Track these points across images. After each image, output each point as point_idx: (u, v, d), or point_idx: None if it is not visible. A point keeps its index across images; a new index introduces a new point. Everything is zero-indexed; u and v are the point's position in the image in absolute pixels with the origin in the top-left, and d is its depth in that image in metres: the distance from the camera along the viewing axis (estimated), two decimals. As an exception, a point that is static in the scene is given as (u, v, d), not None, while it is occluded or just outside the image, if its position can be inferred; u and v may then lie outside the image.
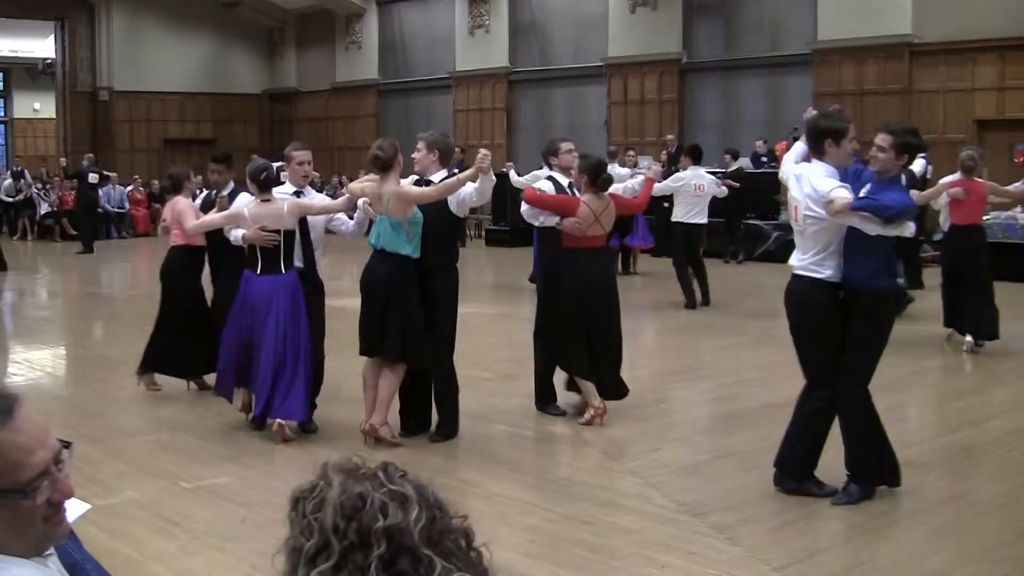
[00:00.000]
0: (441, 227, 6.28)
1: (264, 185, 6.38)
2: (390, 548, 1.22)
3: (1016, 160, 15.85)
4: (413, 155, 6.46)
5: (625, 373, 6.98)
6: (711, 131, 18.93)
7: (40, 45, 30.59)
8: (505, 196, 17.72)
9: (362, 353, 6.29)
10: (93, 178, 20.44)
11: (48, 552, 1.81)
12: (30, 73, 33.36)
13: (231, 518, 5.07)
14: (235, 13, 27.10)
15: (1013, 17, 15.48)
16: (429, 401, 6.50)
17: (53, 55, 27.70)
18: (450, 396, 6.41)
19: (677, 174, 12.40)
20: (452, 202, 6.26)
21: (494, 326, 11.55)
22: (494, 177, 6.24)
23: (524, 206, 6.99)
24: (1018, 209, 14.13)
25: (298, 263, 6.46)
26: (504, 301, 13.23)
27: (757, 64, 18.90)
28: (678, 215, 12.14)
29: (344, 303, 12.85)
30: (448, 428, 6.39)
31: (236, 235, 6.48)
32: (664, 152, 18.10)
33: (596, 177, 6.75)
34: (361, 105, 26.11)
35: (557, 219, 6.77)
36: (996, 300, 9.19)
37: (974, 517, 5.08)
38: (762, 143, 17.46)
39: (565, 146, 7.17)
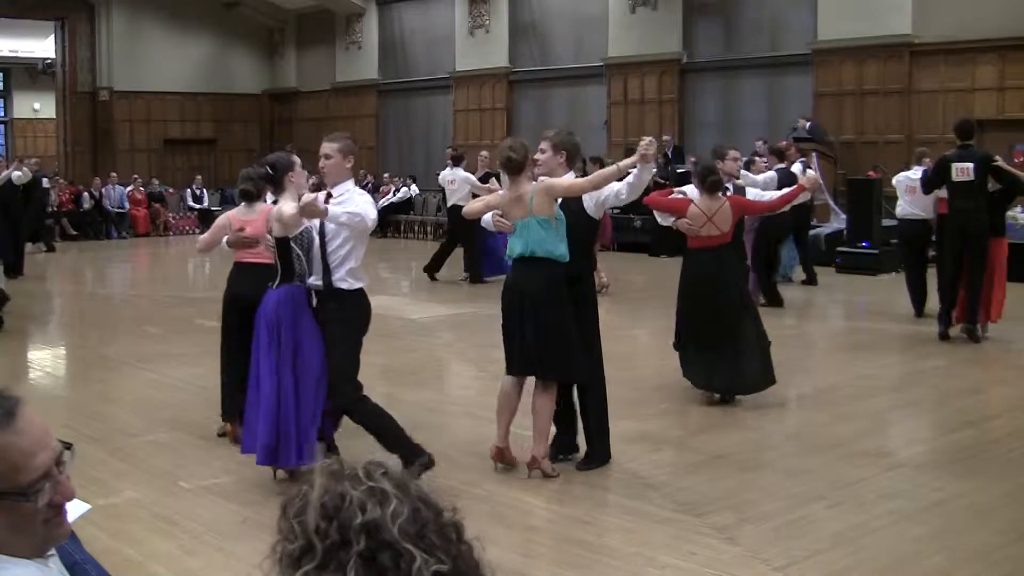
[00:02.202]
0: (580, 230, 5.75)
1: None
2: (369, 544, 1.22)
3: (1016, 160, 15.85)
4: (536, 156, 5.82)
5: (625, 373, 6.99)
6: (711, 131, 18.92)
7: (40, 45, 30.60)
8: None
9: (511, 372, 5.70)
10: (47, 183, 20.25)
11: (49, 553, 1.82)
12: (30, 73, 33.37)
13: (231, 518, 5.07)
14: (235, 13, 27.09)
15: (1013, 17, 15.48)
16: (574, 421, 6.00)
17: (53, 55, 27.69)
18: (603, 416, 5.89)
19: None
20: (589, 202, 5.77)
21: (494, 326, 11.55)
22: (655, 167, 5.82)
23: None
24: (1018, 209, 14.13)
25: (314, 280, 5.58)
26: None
27: (757, 64, 18.89)
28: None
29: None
30: (603, 453, 5.87)
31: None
32: (661, 153, 18.13)
33: (704, 180, 7.14)
34: (361, 105, 26.11)
35: (673, 219, 7.26)
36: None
37: (974, 517, 5.08)
38: (762, 143, 17.46)
39: (733, 154, 8.01)
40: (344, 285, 5.43)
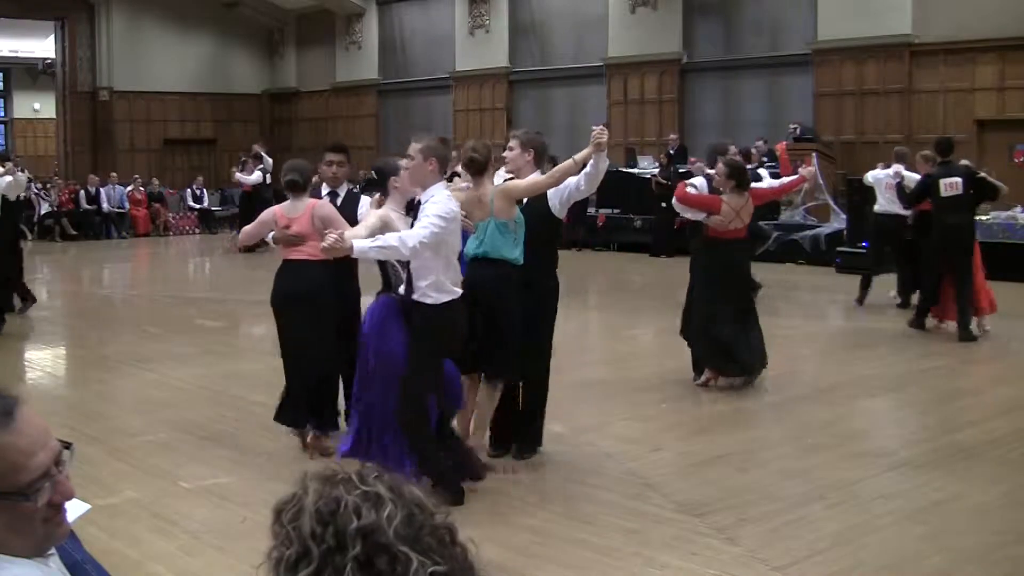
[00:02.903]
0: (541, 231, 5.78)
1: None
2: (365, 548, 1.23)
3: (1016, 160, 15.86)
4: (504, 154, 5.88)
5: (625, 373, 6.98)
6: (711, 131, 18.90)
7: (40, 45, 30.59)
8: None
9: (465, 371, 5.67)
10: (33, 187, 20.09)
11: (49, 552, 1.82)
12: (30, 73, 33.37)
13: (231, 518, 5.07)
14: (235, 13, 27.09)
15: (1013, 17, 15.48)
16: (512, 418, 6.07)
17: (53, 55, 27.69)
18: (541, 413, 6.06)
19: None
20: (554, 200, 5.77)
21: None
22: (607, 159, 5.73)
23: (674, 201, 7.86)
24: (1018, 209, 14.14)
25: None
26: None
27: (757, 64, 18.89)
28: None
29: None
30: (535, 445, 6.05)
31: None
32: (663, 153, 18.14)
33: (738, 179, 7.65)
34: (361, 105, 26.11)
35: (704, 215, 7.68)
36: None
37: (974, 517, 5.08)
38: (762, 143, 17.46)
39: (732, 150, 8.70)
40: (424, 299, 5.10)
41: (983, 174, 10.05)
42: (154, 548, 4.72)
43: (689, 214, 7.94)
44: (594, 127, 5.63)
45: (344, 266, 5.84)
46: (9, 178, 11.26)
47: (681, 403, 7.43)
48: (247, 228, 6.55)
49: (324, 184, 6.42)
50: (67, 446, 1.72)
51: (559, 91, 22.02)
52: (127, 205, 22.95)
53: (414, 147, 5.13)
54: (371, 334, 5.41)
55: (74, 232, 21.97)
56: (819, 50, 17.78)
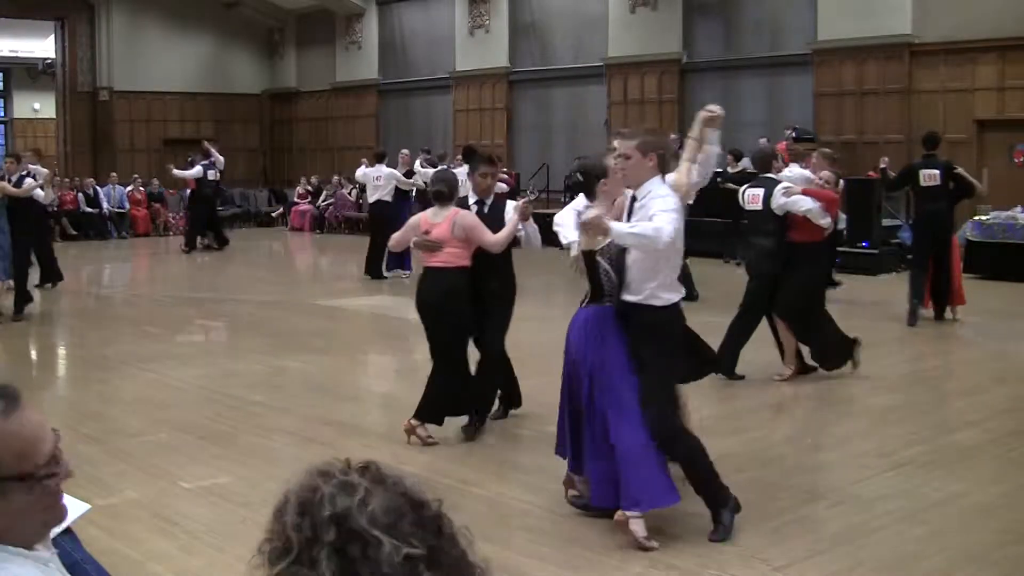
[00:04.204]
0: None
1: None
2: (340, 535, 1.25)
3: (1016, 160, 15.86)
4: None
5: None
6: (711, 131, 18.89)
7: (40, 45, 30.61)
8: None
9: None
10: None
11: (51, 553, 1.84)
12: (30, 73, 33.39)
13: (231, 518, 5.07)
14: (235, 13, 27.10)
15: (1013, 17, 15.47)
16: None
17: (53, 55, 27.70)
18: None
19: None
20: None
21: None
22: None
23: (797, 199, 7.82)
24: (1018, 209, 14.15)
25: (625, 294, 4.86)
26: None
27: (757, 64, 18.89)
28: None
29: (343, 303, 12.87)
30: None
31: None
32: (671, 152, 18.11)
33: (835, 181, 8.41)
34: (361, 105, 26.12)
35: (826, 219, 7.90)
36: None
37: (974, 517, 5.08)
38: (766, 141, 17.44)
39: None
40: (653, 301, 4.71)
41: (960, 171, 10.85)
42: (154, 548, 4.72)
43: (821, 216, 7.88)
44: (710, 107, 5.41)
45: (490, 267, 6.38)
46: (45, 171, 12.53)
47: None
48: (396, 235, 6.75)
49: (470, 193, 6.79)
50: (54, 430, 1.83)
51: (559, 91, 22.02)
52: (127, 205, 22.95)
53: (628, 144, 4.74)
54: (587, 348, 4.79)
55: (74, 232, 21.96)
56: (819, 50, 17.78)
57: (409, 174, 15.64)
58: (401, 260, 14.54)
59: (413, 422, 6.27)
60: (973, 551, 4.63)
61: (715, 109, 5.35)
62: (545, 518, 5.05)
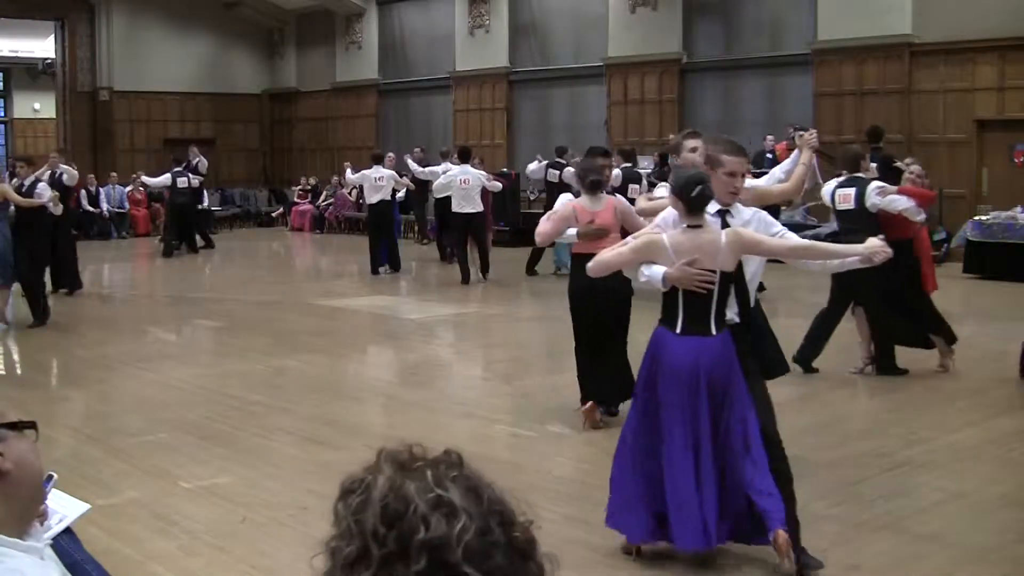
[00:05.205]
0: None
1: (695, 205, 4.32)
2: (430, 564, 1.14)
3: (1016, 160, 15.85)
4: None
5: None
6: (711, 131, 18.70)
7: (40, 45, 30.58)
8: (504, 196, 17.75)
9: None
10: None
11: (44, 543, 1.88)
12: (30, 73, 33.36)
13: (231, 518, 5.07)
14: (235, 13, 27.09)
15: (1013, 17, 15.47)
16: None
17: (53, 55, 27.67)
18: None
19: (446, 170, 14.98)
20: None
21: (494, 326, 11.56)
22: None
23: (893, 198, 8.01)
24: (1018, 209, 14.15)
25: (731, 314, 4.48)
26: (503, 301, 13.21)
27: (757, 64, 18.88)
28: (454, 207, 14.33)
29: (343, 303, 12.87)
30: None
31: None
32: (657, 153, 18.13)
33: (898, 177, 8.30)
34: (361, 105, 26.11)
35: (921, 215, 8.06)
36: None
37: (974, 517, 5.08)
38: (771, 139, 17.45)
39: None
40: (738, 319, 4.52)
41: (898, 163, 10.69)
42: (154, 548, 4.72)
43: (916, 212, 8.02)
44: (805, 131, 5.61)
45: None
46: (75, 171, 13.31)
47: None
48: (546, 229, 6.52)
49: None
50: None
51: (559, 91, 22.01)
52: (127, 205, 22.94)
53: (743, 161, 4.54)
54: (716, 373, 4.33)
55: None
56: (819, 50, 17.78)
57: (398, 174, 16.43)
58: (390, 258, 15.53)
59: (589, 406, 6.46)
60: (973, 551, 4.63)
61: (812, 135, 5.56)
62: (545, 518, 5.03)
